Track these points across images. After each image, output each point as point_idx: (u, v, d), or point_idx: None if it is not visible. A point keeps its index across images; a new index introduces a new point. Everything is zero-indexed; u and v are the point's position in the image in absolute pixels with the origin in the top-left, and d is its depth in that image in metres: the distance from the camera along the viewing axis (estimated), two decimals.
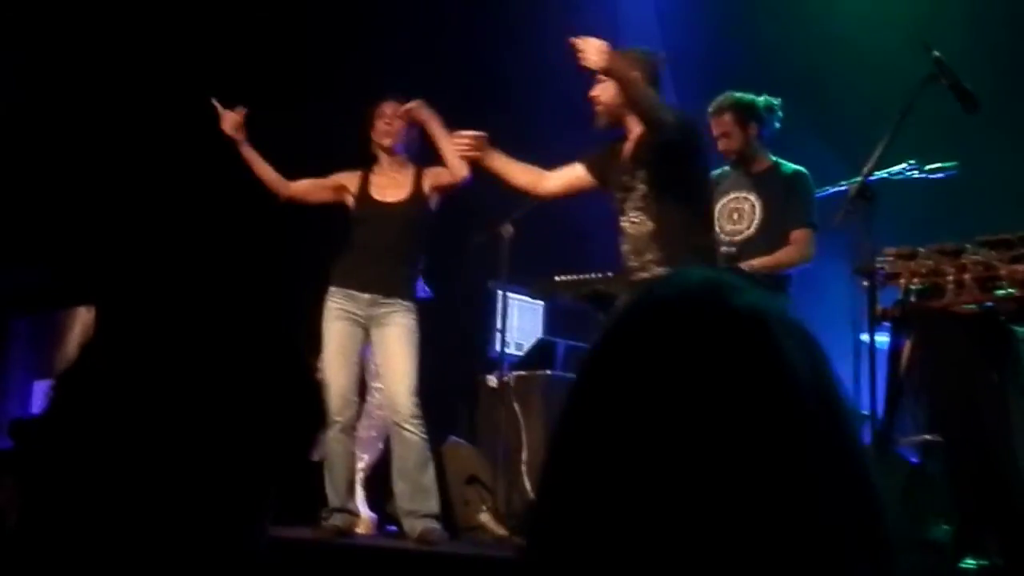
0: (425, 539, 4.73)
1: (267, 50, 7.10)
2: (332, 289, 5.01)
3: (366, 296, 4.96)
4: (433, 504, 4.85)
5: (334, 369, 4.91)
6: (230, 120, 5.16)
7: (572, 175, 4.53)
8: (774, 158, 5.21)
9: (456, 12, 7.19)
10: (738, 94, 5.11)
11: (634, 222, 4.26)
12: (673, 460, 0.86)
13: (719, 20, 7.20)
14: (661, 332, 0.91)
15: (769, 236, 5.05)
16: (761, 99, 5.14)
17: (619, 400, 0.90)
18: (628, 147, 4.38)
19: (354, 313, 4.97)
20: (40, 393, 8.92)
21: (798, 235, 5.06)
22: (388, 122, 5.10)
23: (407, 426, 4.81)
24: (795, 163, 5.35)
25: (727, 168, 5.20)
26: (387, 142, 5.11)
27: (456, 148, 4.47)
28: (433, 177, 5.06)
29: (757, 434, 0.87)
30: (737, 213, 5.09)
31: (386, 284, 4.96)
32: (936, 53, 4.06)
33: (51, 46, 7.27)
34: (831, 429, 0.90)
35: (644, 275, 4.20)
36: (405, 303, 4.96)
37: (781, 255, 5.03)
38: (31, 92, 7.37)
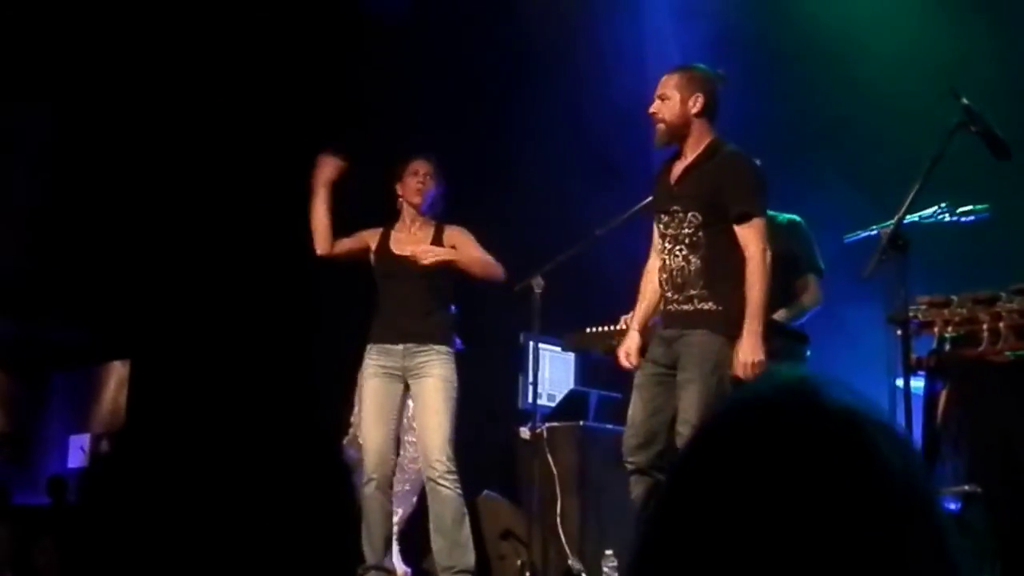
0: None
1: (298, 106, 7.18)
2: (369, 347, 5.05)
3: (400, 347, 4.96)
4: (469, 559, 4.83)
5: (370, 427, 4.92)
6: (331, 168, 5.17)
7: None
8: (769, 212, 5.23)
9: (487, 67, 7.24)
10: None
11: (677, 256, 4.26)
12: (770, 563, 0.86)
13: (745, 64, 7.21)
14: (755, 436, 0.92)
15: (772, 287, 5.05)
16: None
17: (714, 503, 0.90)
18: (679, 170, 4.36)
19: (391, 368, 4.98)
20: (77, 447, 8.98)
21: (804, 282, 5.06)
22: (421, 180, 5.15)
23: (442, 482, 4.79)
24: (826, 207, 5.34)
25: None
26: (418, 200, 5.16)
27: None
28: (455, 239, 5.11)
29: (854, 536, 0.87)
30: None
31: (419, 332, 4.97)
32: (965, 100, 4.02)
33: (89, 113, 7.39)
34: (926, 528, 0.91)
35: (686, 308, 4.22)
36: (440, 349, 4.96)
37: (792, 309, 5.01)
38: (70, 156, 7.48)
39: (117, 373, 8.80)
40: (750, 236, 4.16)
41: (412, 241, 5.12)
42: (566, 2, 7.36)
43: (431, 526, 4.88)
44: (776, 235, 5.08)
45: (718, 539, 0.89)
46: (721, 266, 4.18)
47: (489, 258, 5.07)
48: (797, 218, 5.21)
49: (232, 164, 7.37)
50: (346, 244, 5.23)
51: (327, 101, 7.15)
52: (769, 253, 4.17)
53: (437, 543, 4.84)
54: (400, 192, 5.20)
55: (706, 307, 4.18)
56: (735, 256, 4.18)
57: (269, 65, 7.26)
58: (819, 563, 0.86)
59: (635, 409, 4.29)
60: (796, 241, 5.13)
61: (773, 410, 0.93)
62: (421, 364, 4.94)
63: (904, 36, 6.51)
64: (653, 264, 4.48)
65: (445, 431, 4.82)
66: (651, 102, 4.36)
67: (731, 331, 4.12)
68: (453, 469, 4.80)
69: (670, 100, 4.29)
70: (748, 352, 4.05)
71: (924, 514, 0.91)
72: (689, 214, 4.25)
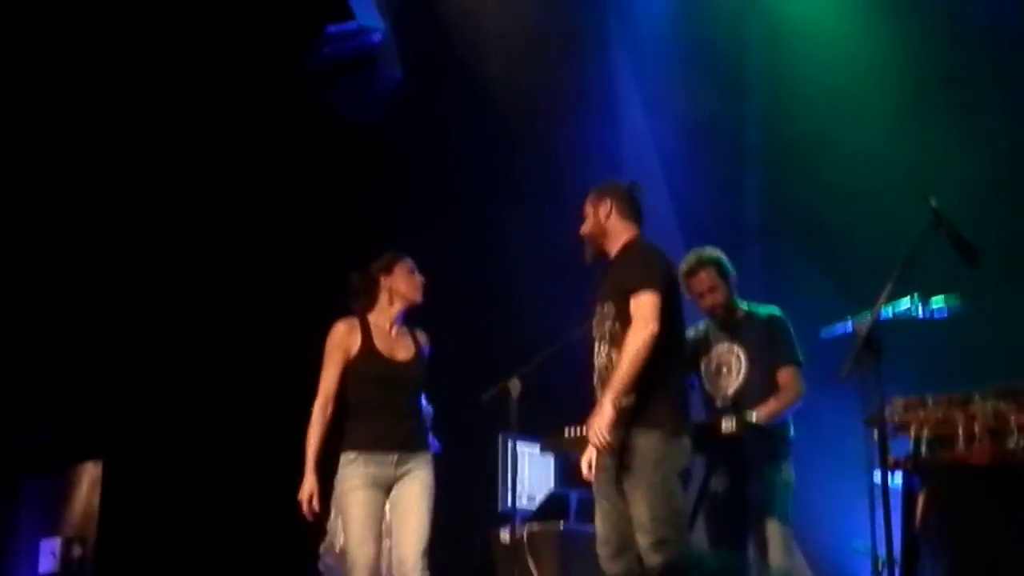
0: None
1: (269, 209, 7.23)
2: (352, 455, 4.81)
3: (394, 456, 4.81)
4: None
5: (362, 542, 4.72)
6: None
7: None
8: (745, 305, 5.26)
9: (462, 169, 7.32)
10: (707, 249, 5.16)
11: (601, 355, 4.32)
12: None
13: (718, 160, 7.32)
14: None
15: (759, 383, 5.06)
16: (718, 252, 5.21)
17: None
18: (601, 276, 4.48)
19: (381, 477, 4.81)
20: (48, 552, 8.82)
21: (786, 375, 5.07)
22: (420, 279, 5.02)
23: None
24: (799, 299, 5.38)
25: (702, 323, 5.23)
26: (419, 297, 5.02)
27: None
28: (423, 347, 5.04)
29: None
30: (726, 367, 5.10)
31: (410, 441, 4.85)
32: (934, 203, 4.08)
33: (65, 212, 7.42)
34: None
35: None
36: (427, 456, 4.87)
37: (776, 403, 5.02)
38: (41, 260, 7.49)
39: (89, 474, 8.68)
40: (636, 310, 4.19)
41: (396, 342, 4.96)
42: (542, 101, 7.47)
43: None
44: (755, 338, 5.11)
45: None
46: None
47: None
48: (777, 311, 5.24)
49: (199, 266, 7.39)
50: (339, 376, 4.94)
51: (298, 203, 7.20)
52: (652, 329, 4.13)
53: None
54: (389, 286, 5.00)
55: (628, 401, 4.15)
56: (654, 355, 4.16)
57: (239, 163, 7.32)
58: None
59: (600, 520, 4.31)
60: (776, 334, 5.15)
61: None
62: (409, 470, 4.82)
63: (874, 134, 6.63)
64: None
65: (424, 537, 4.72)
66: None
67: (661, 422, 4.14)
68: None
69: (588, 217, 4.52)
70: (595, 419, 4.13)
71: None
72: (605, 306, 4.35)
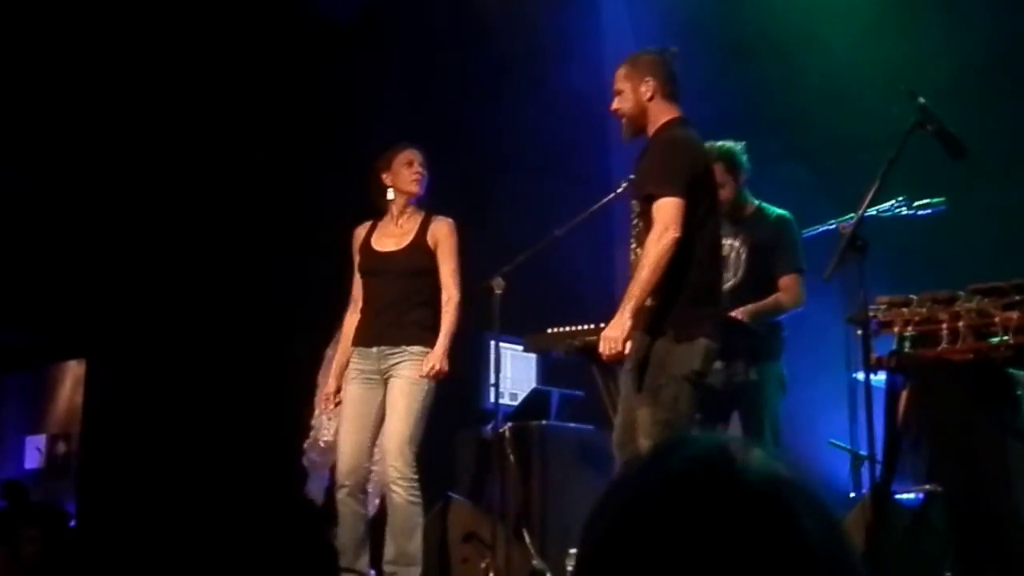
0: None
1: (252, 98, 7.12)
2: (353, 350, 4.95)
3: (375, 350, 4.86)
4: (414, 573, 4.76)
5: (345, 433, 4.84)
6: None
7: None
8: (756, 201, 5.17)
9: (442, 65, 7.21)
10: (719, 143, 5.04)
11: (632, 253, 4.23)
12: None
13: (700, 54, 7.21)
14: (672, 515, 0.90)
15: (757, 282, 5.02)
16: (735, 145, 5.09)
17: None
18: (636, 161, 4.29)
19: (369, 371, 4.88)
20: (32, 448, 8.87)
21: (788, 281, 5.03)
22: (418, 170, 5.00)
23: (394, 488, 4.72)
24: (785, 198, 5.33)
25: None
26: (415, 189, 4.99)
27: None
28: (439, 235, 4.96)
29: None
30: (724, 261, 5.03)
31: (391, 335, 4.85)
32: (921, 100, 4.04)
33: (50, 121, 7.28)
34: None
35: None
36: (413, 351, 4.82)
37: (773, 301, 4.99)
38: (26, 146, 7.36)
39: (72, 373, 8.70)
40: (656, 216, 4.00)
41: (396, 233, 4.98)
42: None
43: (387, 527, 4.82)
44: (760, 237, 5.06)
45: None
46: None
47: (453, 288, 4.92)
48: (787, 214, 5.17)
49: (188, 159, 7.29)
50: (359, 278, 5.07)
51: (275, 103, 7.09)
52: (672, 235, 3.94)
53: (388, 547, 4.79)
54: (390, 183, 5.01)
55: (649, 303, 4.05)
56: (677, 255, 4.01)
57: (214, 65, 7.18)
58: None
59: (620, 408, 4.27)
60: (784, 237, 5.09)
61: (689, 485, 0.91)
62: (393, 366, 4.83)
63: (858, 32, 6.55)
64: None
65: (403, 436, 4.73)
66: (612, 99, 4.30)
67: (663, 327, 4.03)
68: (409, 475, 4.71)
69: (624, 93, 4.22)
70: (609, 328, 4.01)
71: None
72: (632, 203, 4.25)
